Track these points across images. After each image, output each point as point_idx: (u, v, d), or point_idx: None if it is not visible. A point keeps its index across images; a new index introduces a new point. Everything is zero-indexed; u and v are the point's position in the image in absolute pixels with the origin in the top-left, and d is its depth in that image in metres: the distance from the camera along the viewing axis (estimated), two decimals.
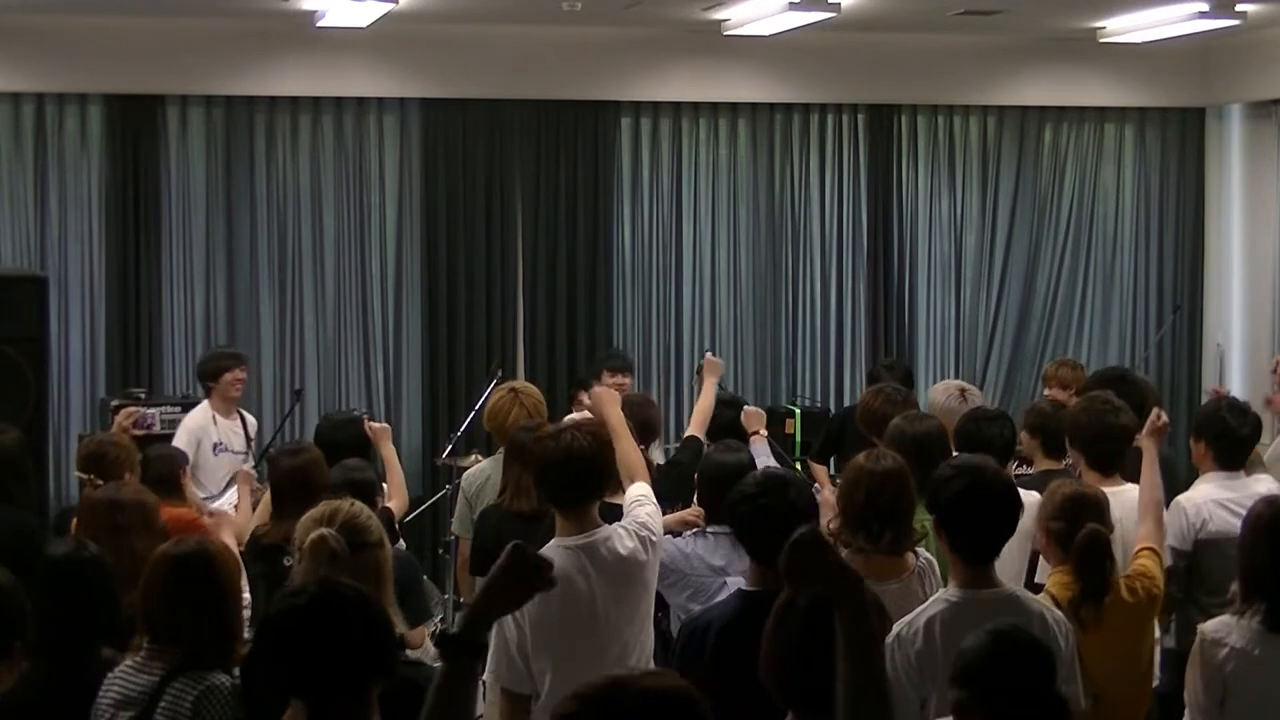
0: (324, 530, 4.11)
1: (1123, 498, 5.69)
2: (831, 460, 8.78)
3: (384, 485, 6.80)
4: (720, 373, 7.26)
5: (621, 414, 5.51)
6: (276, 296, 10.78)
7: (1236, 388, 11.44)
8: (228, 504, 7.46)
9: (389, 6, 9.29)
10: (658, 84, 11.16)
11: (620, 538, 4.96)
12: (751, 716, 3.59)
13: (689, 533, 5.66)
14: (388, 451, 7.30)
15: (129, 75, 10.38)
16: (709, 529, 5.57)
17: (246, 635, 4.29)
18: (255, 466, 8.37)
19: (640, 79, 11.14)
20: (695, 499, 5.89)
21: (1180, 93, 11.69)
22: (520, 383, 7.61)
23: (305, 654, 3.28)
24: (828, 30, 10.20)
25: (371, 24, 9.91)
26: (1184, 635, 5.17)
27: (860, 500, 4.94)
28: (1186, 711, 4.63)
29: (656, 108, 11.27)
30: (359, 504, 4.45)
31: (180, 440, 8.34)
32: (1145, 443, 5.72)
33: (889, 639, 4.04)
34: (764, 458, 6.63)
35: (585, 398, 8.09)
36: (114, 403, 9.47)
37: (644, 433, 6.58)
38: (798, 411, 10.78)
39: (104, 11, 10.08)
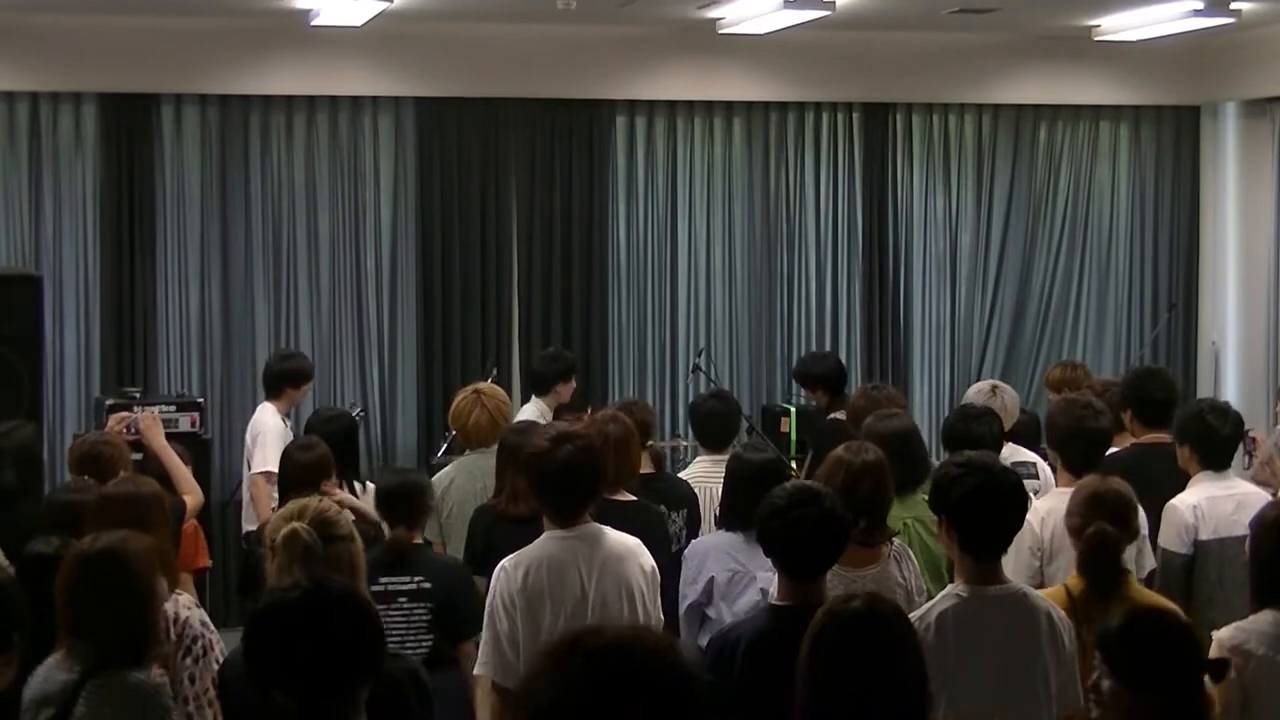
0: (296, 524, 4.15)
1: None
2: None
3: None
4: None
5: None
6: (271, 295, 10.77)
7: (1231, 387, 11.46)
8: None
9: (384, 5, 9.28)
10: (652, 82, 11.15)
11: (618, 536, 5.00)
12: None
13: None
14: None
15: (123, 74, 10.36)
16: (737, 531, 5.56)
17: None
18: None
19: (635, 77, 11.13)
20: (720, 500, 5.88)
21: (1175, 91, 11.68)
22: (486, 385, 7.57)
23: (293, 649, 3.29)
24: (823, 28, 10.20)
25: (366, 22, 9.91)
26: None
27: (837, 490, 4.98)
28: None
29: (651, 106, 11.26)
30: (328, 500, 4.48)
31: (272, 446, 7.91)
32: None
33: None
34: None
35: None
36: (109, 401, 9.47)
37: (643, 433, 6.63)
38: (793, 410, 10.78)
39: (98, 10, 10.07)
